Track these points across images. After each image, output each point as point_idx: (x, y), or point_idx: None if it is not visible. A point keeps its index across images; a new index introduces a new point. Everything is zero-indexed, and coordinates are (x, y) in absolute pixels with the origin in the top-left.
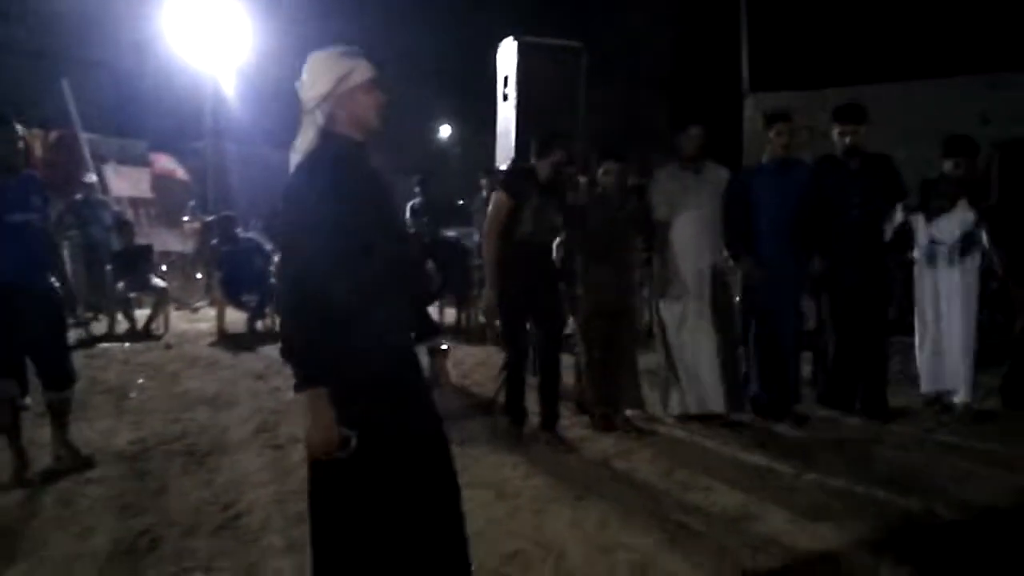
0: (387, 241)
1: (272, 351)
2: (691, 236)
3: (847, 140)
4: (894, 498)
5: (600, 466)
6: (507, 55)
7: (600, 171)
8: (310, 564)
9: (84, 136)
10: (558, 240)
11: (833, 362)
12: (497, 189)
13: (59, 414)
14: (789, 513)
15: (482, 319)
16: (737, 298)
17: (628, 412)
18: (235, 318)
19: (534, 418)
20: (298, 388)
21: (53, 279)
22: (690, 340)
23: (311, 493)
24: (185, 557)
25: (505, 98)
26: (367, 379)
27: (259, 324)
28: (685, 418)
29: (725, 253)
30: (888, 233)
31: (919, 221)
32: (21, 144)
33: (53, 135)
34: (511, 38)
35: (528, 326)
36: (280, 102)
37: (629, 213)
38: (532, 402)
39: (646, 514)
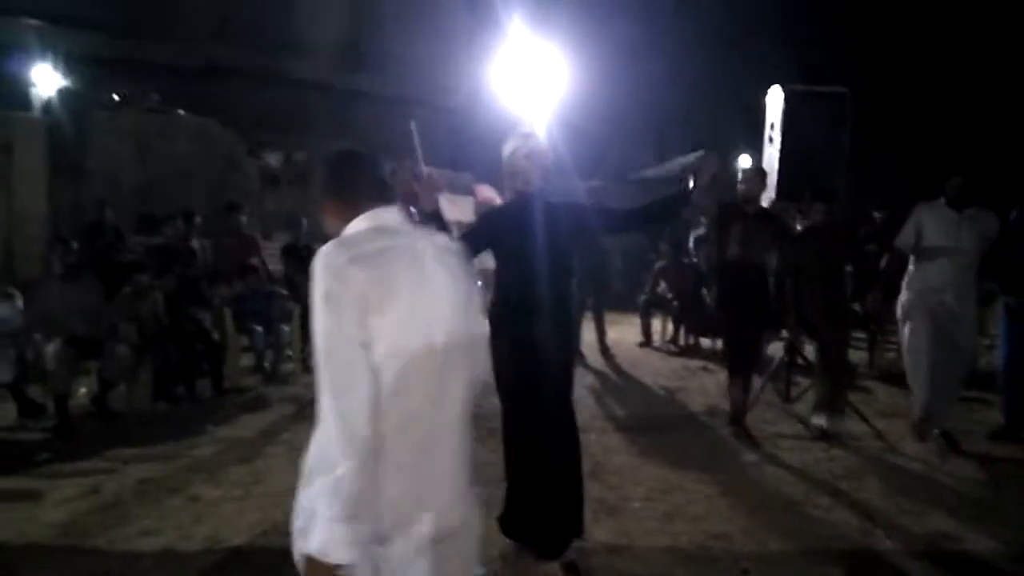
0: (521, 268)
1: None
2: (938, 266)
3: None
4: None
5: (824, 482)
6: (774, 101)
7: (812, 209)
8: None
9: (425, 170)
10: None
11: None
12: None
13: None
14: (994, 543)
15: None
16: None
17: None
18: None
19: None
20: None
21: None
22: (926, 360)
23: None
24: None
25: (771, 140)
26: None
27: None
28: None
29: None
30: None
31: None
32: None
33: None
34: (778, 86)
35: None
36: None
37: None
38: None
39: (850, 527)
